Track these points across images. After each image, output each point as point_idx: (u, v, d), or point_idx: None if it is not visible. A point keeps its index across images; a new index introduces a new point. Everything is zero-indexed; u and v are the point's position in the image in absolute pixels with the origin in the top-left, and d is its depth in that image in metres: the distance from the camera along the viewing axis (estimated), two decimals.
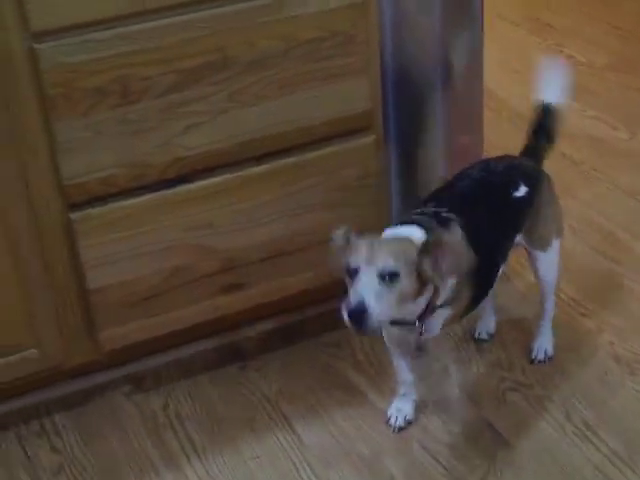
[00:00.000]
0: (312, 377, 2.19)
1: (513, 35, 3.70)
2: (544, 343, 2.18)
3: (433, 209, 1.86)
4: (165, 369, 2.20)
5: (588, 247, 2.53)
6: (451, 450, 1.99)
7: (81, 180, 1.85)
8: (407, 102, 2.27)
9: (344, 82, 1.98)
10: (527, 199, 1.97)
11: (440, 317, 1.82)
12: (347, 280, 1.70)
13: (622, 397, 2.08)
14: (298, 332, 2.27)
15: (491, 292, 1.98)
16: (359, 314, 1.62)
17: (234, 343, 2.25)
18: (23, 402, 2.11)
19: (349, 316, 1.64)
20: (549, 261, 2.08)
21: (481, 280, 1.87)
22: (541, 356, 2.18)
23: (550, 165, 2.10)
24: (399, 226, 1.81)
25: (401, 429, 2.04)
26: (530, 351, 2.19)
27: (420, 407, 2.06)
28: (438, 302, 1.77)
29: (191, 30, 1.81)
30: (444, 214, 1.83)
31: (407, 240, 1.72)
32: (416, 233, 1.75)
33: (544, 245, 2.05)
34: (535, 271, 2.11)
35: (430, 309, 1.77)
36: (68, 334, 2.00)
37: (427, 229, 1.76)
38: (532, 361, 2.18)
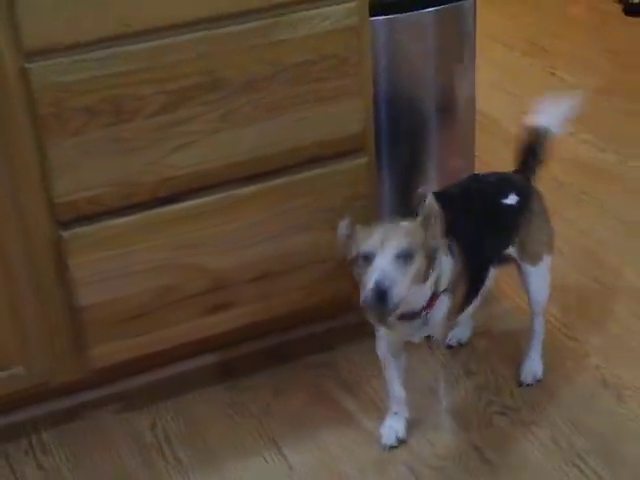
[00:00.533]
0: (300, 397, 2.19)
1: (507, 57, 3.72)
2: (533, 366, 2.18)
3: None
4: (154, 388, 2.20)
5: (574, 268, 2.53)
6: (437, 472, 1.98)
7: (72, 198, 1.86)
8: (399, 124, 2.28)
9: (337, 104, 2.00)
10: (517, 208, 2.01)
11: (442, 306, 1.86)
12: (356, 269, 1.77)
13: (609, 423, 2.07)
14: (286, 352, 2.28)
15: (481, 294, 2.01)
16: (381, 293, 1.69)
17: (223, 362, 2.25)
18: (10, 419, 2.11)
19: (370, 298, 1.70)
20: (540, 277, 2.09)
21: (473, 275, 1.93)
22: (529, 380, 2.17)
23: (539, 187, 2.11)
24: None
25: (392, 448, 2.04)
26: (519, 374, 2.18)
27: (407, 428, 2.06)
28: (441, 288, 1.84)
29: (182, 52, 1.83)
30: None
31: (409, 223, 1.79)
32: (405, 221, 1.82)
33: (535, 259, 2.07)
34: (526, 288, 2.11)
35: (434, 296, 1.83)
36: (57, 351, 2.00)
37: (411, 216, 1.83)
38: (520, 384, 2.17)
